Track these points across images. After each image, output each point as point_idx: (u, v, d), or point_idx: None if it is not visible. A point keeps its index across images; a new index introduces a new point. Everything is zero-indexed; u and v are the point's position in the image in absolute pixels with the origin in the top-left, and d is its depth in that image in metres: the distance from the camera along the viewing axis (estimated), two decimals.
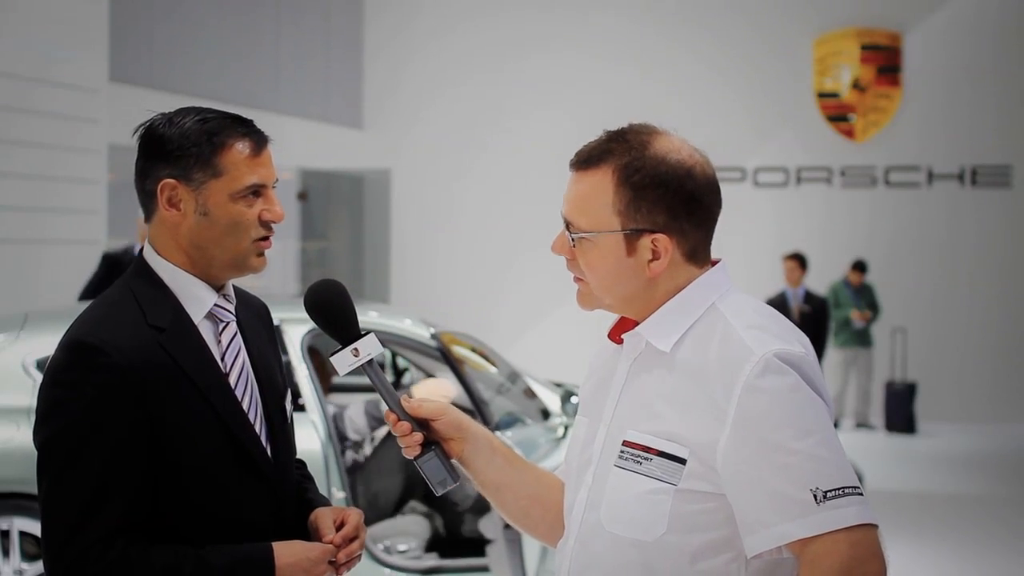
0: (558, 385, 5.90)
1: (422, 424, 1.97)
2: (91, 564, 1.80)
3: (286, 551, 1.92)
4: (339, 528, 2.02)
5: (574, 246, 1.84)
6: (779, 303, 9.34)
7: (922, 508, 8.26)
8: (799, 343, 1.77)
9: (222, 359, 1.98)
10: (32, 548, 4.54)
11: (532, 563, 4.45)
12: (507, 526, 4.46)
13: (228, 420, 1.93)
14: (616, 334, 1.90)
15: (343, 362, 1.95)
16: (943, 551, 7.14)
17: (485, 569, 4.92)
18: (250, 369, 2.02)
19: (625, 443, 1.79)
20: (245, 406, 1.98)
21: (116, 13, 8.38)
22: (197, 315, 1.97)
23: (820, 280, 11.65)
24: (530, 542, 4.43)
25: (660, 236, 1.79)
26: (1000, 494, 8.94)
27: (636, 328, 1.85)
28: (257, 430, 1.98)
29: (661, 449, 1.75)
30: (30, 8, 7.30)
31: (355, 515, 2.04)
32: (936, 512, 8.19)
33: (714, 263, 1.87)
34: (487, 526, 5.13)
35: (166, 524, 1.88)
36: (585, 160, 1.84)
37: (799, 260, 9.74)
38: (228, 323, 2.01)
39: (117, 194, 8.21)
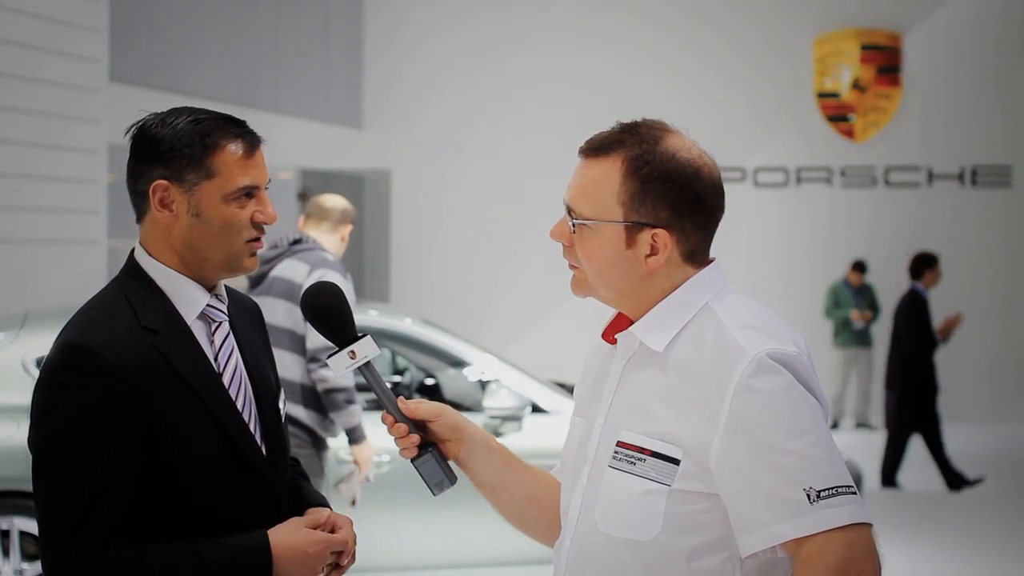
0: (561, 385, 5.89)
1: (419, 425, 1.97)
2: (87, 571, 1.79)
3: (283, 541, 1.91)
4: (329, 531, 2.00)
5: (574, 232, 1.84)
6: (915, 301, 8.92)
7: (922, 508, 8.26)
8: (792, 342, 1.77)
9: (215, 359, 1.98)
10: (32, 548, 4.54)
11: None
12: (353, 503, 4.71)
13: (223, 420, 1.93)
14: (610, 334, 1.90)
15: (340, 364, 1.95)
16: (943, 551, 7.13)
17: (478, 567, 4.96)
18: (243, 369, 2.02)
19: (619, 444, 1.79)
20: (239, 406, 1.97)
21: (116, 13, 8.37)
22: (190, 316, 1.96)
23: (820, 280, 11.65)
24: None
25: (660, 232, 1.79)
26: (1000, 494, 8.93)
27: (630, 328, 1.85)
28: (252, 429, 1.98)
29: (655, 450, 1.75)
30: (30, 8, 7.30)
31: (348, 523, 2.03)
32: (936, 512, 8.18)
33: (708, 263, 1.87)
34: None
35: (164, 525, 1.88)
36: (595, 148, 1.84)
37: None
38: (221, 323, 2.01)
39: (117, 194, 8.20)
